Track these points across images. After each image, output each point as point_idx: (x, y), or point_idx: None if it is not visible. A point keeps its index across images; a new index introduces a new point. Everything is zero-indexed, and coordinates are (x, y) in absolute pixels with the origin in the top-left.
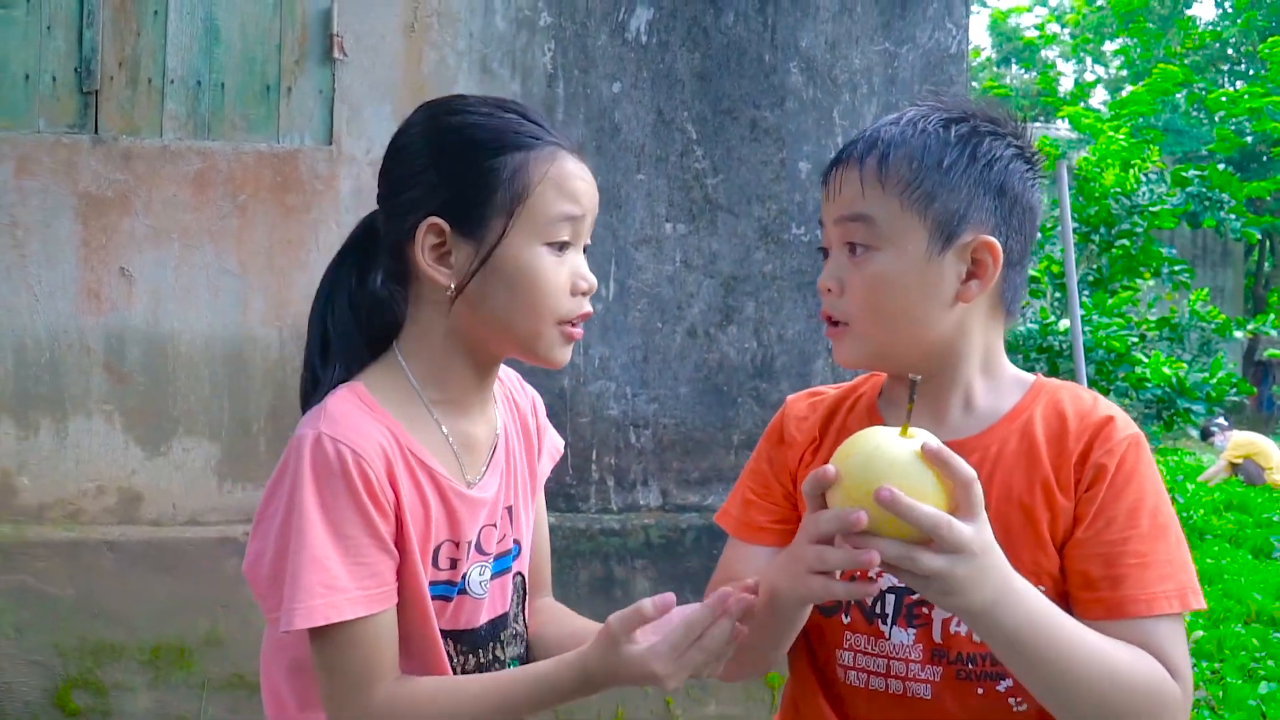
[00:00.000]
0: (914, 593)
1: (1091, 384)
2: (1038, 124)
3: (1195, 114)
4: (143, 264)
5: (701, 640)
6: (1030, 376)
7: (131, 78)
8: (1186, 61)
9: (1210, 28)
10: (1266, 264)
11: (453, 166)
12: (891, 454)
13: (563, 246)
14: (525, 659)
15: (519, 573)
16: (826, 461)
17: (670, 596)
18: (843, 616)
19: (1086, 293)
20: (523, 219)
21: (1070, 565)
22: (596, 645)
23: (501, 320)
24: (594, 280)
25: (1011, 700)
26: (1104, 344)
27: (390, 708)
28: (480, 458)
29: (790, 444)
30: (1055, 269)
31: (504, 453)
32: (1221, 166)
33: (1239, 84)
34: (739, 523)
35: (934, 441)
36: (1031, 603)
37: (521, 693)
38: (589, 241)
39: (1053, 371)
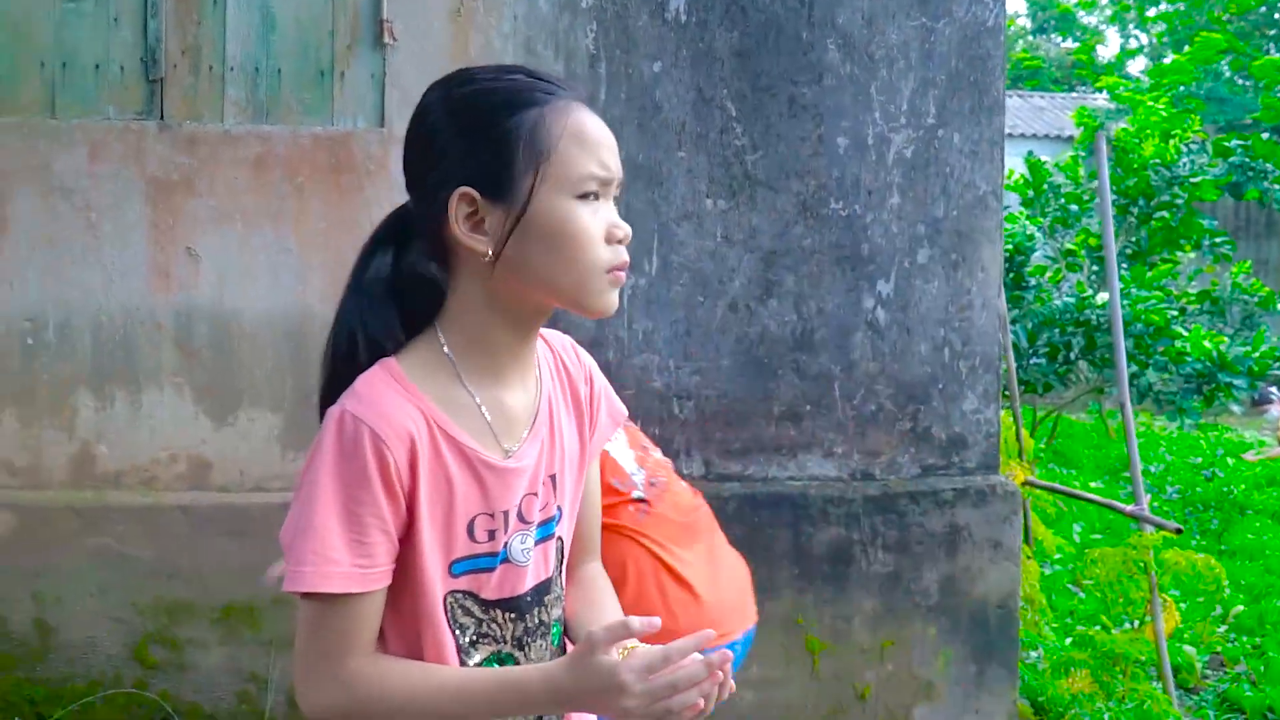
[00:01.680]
0: None
1: (1130, 358)
2: (1074, 94)
3: (1240, 82)
4: (207, 244)
5: (675, 672)
6: None
7: (194, 65)
8: (1231, 28)
9: None
10: None
11: (472, 134)
12: None
13: (594, 197)
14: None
15: (560, 537)
16: None
17: (657, 620)
18: None
19: (1125, 266)
20: (549, 174)
21: None
22: (572, 654)
23: (546, 277)
24: (628, 229)
25: None
26: (1142, 318)
27: (356, 681)
28: (518, 427)
29: None
30: (1093, 242)
31: (546, 421)
32: (1266, 136)
33: None
34: None
35: None
36: None
37: (485, 692)
38: (618, 192)
39: (1089, 346)
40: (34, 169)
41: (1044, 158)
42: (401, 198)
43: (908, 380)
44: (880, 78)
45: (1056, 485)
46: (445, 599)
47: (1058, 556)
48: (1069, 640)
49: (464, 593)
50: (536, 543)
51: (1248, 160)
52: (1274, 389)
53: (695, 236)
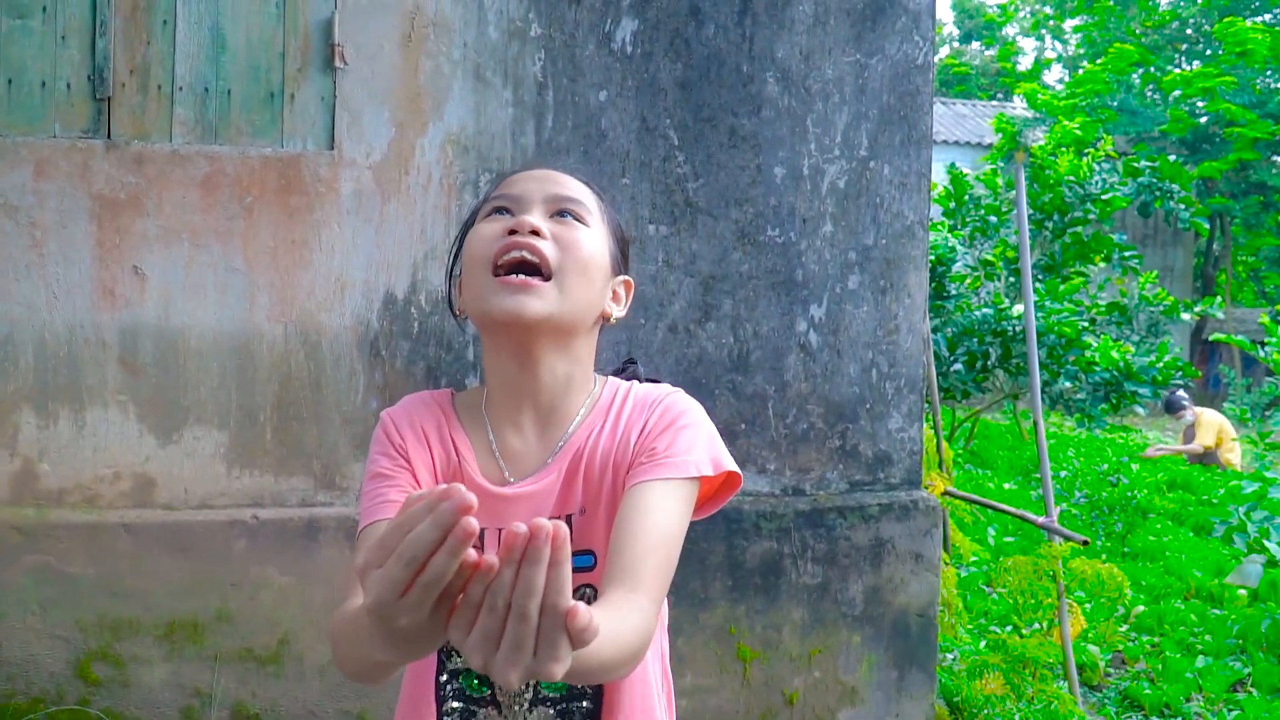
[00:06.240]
0: None
1: (1042, 367)
2: (994, 102)
3: (1150, 95)
4: (154, 263)
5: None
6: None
7: (142, 85)
8: (1145, 42)
9: (1171, 7)
10: (1216, 244)
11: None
12: None
13: (501, 212)
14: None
15: (588, 585)
16: None
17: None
18: None
19: (1040, 278)
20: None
21: None
22: None
23: (469, 306)
24: (529, 221)
25: None
26: (1055, 329)
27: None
28: (526, 468)
29: None
30: (1010, 254)
31: (572, 464)
32: (1173, 158)
33: (1196, 64)
34: None
35: None
36: None
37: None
38: (566, 209)
39: (1005, 355)
40: None
41: (966, 166)
42: (352, 220)
43: (837, 400)
44: (816, 111)
45: (974, 496)
46: None
47: (974, 559)
48: (983, 643)
49: None
50: None
51: (1155, 180)
52: (1182, 392)
53: (638, 260)
